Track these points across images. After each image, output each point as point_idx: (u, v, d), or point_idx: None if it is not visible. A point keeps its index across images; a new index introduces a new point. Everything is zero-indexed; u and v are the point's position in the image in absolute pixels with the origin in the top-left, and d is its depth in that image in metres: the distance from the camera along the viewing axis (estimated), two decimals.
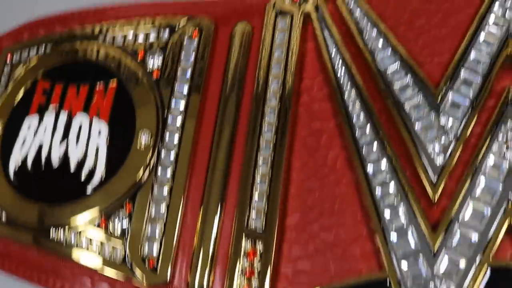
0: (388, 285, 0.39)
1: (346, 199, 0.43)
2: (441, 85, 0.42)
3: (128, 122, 0.47)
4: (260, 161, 0.44)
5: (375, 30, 0.45)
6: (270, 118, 0.45)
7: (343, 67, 0.45)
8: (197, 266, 0.44)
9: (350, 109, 0.44)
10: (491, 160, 0.40)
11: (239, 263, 0.42)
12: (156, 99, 0.47)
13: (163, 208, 0.45)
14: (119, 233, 0.45)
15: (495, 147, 0.40)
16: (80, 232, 0.46)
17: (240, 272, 0.42)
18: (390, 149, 0.42)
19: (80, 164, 0.47)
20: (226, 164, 0.45)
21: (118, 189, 0.46)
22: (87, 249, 0.45)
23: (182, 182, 0.45)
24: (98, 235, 0.45)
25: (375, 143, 0.42)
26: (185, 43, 0.49)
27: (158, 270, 0.44)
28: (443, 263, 0.39)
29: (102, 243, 0.45)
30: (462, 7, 0.44)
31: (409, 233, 0.40)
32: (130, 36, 0.50)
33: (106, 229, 0.45)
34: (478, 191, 0.40)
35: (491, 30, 0.43)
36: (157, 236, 0.45)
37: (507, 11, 0.43)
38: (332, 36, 0.46)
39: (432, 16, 0.45)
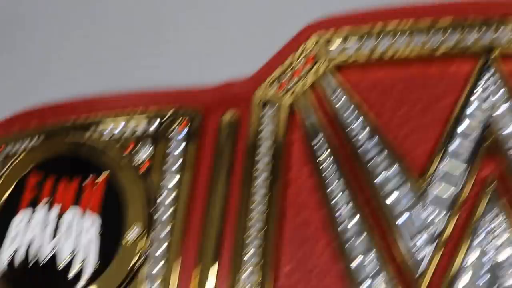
0: None
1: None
2: (426, 173, 0.43)
3: (117, 217, 0.47)
4: (250, 252, 0.44)
5: (359, 119, 0.45)
6: (259, 208, 0.45)
7: (329, 160, 0.45)
8: None
9: (336, 200, 0.44)
10: (476, 254, 0.40)
11: None
12: (145, 191, 0.48)
13: None
14: None
15: (479, 237, 0.40)
16: None
17: None
18: (373, 243, 0.42)
19: (71, 260, 0.47)
20: (215, 257, 0.45)
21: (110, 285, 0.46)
22: None
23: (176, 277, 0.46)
24: None
25: (359, 237, 0.42)
26: (174, 133, 0.49)
27: None
28: None
29: None
30: (440, 97, 0.45)
31: None
32: (120, 128, 0.51)
33: None
34: (465, 281, 0.40)
35: (471, 120, 0.43)
36: None
37: (486, 101, 0.43)
38: (318, 125, 0.46)
39: (414, 103, 0.45)
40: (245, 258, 0.44)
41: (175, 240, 0.46)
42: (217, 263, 0.44)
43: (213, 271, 0.44)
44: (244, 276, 0.43)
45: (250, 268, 0.43)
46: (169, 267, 0.46)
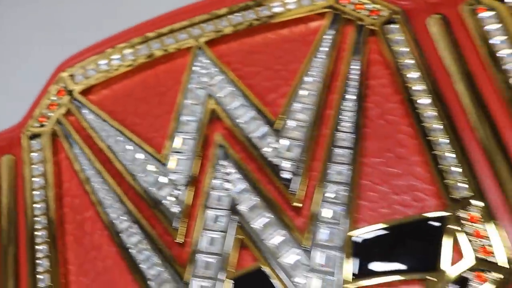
0: None
1: (115, 268, 0.49)
2: (164, 151, 0.50)
3: None
4: (39, 255, 0.50)
5: (107, 127, 0.53)
6: (40, 225, 0.51)
7: (89, 164, 0.52)
8: None
9: (100, 196, 0.51)
10: (214, 196, 0.48)
11: None
12: None
13: None
14: None
15: (216, 184, 0.48)
16: None
17: None
18: (136, 216, 0.49)
19: None
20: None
21: None
22: None
23: None
24: None
25: (124, 215, 0.49)
26: None
27: None
28: None
29: None
30: (170, 87, 0.53)
31: (164, 275, 0.46)
32: None
33: None
34: (209, 222, 0.47)
35: (193, 99, 0.52)
36: None
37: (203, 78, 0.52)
38: (76, 141, 0.54)
39: (151, 100, 0.54)
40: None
41: None
42: None
43: None
44: None
45: None
46: None
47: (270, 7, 0.54)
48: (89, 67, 0.56)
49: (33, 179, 0.53)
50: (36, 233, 0.51)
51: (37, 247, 0.51)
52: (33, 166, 0.54)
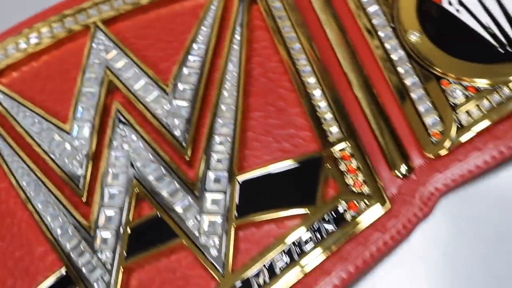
0: (65, 273, 0.50)
1: (29, 230, 0.53)
2: (69, 119, 0.55)
3: None
4: None
5: (19, 105, 0.57)
6: None
7: (2, 142, 0.56)
8: None
9: (12, 167, 0.55)
10: (112, 155, 0.52)
11: None
12: None
13: None
14: None
15: (115, 145, 0.53)
16: None
17: None
18: (43, 180, 0.53)
19: None
20: None
21: None
22: None
23: None
24: None
25: (33, 182, 0.53)
26: None
27: None
28: (98, 240, 0.50)
29: None
30: (73, 65, 0.58)
31: (70, 231, 0.51)
32: None
33: None
34: (110, 180, 0.52)
35: (92, 72, 0.56)
36: None
37: (101, 53, 0.57)
38: None
39: (56, 78, 0.58)
40: None
41: None
42: None
43: None
44: None
45: None
46: None
47: None
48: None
49: None
50: None
51: None
52: None
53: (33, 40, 0.60)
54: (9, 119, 0.57)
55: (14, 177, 0.54)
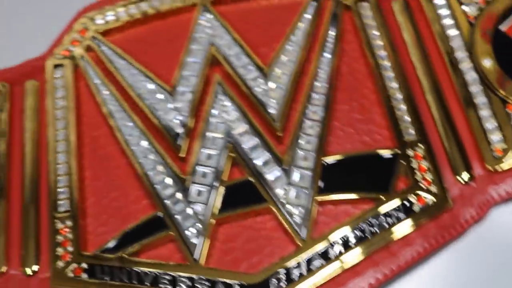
0: (160, 217, 0.56)
1: (125, 175, 0.59)
2: (173, 83, 0.61)
3: None
4: (60, 160, 0.60)
5: (123, 61, 0.63)
6: (61, 136, 0.61)
7: (106, 90, 0.63)
8: (26, 255, 0.57)
9: (115, 116, 0.61)
10: (213, 122, 0.59)
11: (56, 239, 0.57)
12: None
13: None
14: None
15: (215, 113, 0.59)
16: None
17: (59, 244, 0.57)
18: (147, 134, 0.59)
19: None
20: (35, 178, 0.61)
21: None
22: None
23: (3, 205, 0.60)
24: None
25: (135, 133, 0.60)
26: None
27: None
28: (192, 192, 0.56)
29: None
30: (177, 35, 0.64)
31: (167, 181, 0.57)
32: None
33: None
34: (208, 143, 0.58)
35: (197, 45, 0.63)
36: None
37: (206, 29, 0.64)
38: (96, 72, 0.64)
39: (160, 44, 0.65)
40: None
41: None
42: None
43: None
44: None
45: None
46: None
47: None
48: (109, 13, 0.66)
49: (55, 100, 0.63)
50: (58, 142, 0.61)
51: (57, 155, 0.60)
52: (55, 88, 0.64)
53: (142, 8, 0.66)
54: (114, 74, 0.63)
55: (116, 125, 0.60)
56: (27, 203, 0.59)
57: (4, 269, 0.57)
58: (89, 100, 0.63)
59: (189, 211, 0.55)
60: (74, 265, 0.55)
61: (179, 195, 0.56)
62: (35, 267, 0.57)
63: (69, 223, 0.57)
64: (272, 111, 0.59)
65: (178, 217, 0.55)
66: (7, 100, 0.64)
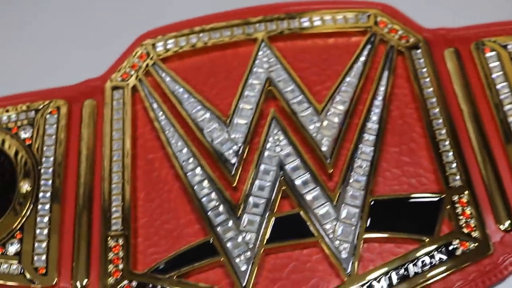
0: (211, 242, 0.58)
1: (177, 199, 0.61)
2: (229, 114, 0.64)
3: (11, 177, 0.64)
4: (114, 180, 0.62)
5: (181, 89, 0.66)
6: (117, 157, 0.64)
7: (163, 116, 0.65)
8: (77, 268, 0.60)
9: (172, 142, 0.63)
10: (266, 154, 0.61)
11: (108, 256, 0.59)
12: (30, 158, 0.65)
13: (45, 231, 0.61)
14: (13, 253, 0.60)
15: (268, 146, 0.62)
16: None
17: (109, 262, 0.59)
18: (200, 160, 0.62)
19: None
20: (89, 191, 0.63)
21: (9, 224, 0.62)
22: None
23: (58, 212, 0.62)
24: None
25: (191, 159, 0.62)
26: (47, 118, 0.67)
27: (48, 274, 0.59)
28: (244, 221, 0.58)
29: (0, 264, 0.60)
30: (235, 67, 0.67)
31: (220, 209, 0.59)
32: (4, 118, 0.68)
33: (3, 253, 0.61)
34: (260, 174, 0.60)
35: (255, 79, 0.65)
36: (43, 252, 0.60)
37: (264, 64, 0.66)
38: (154, 97, 0.66)
39: (219, 74, 0.67)
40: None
41: (56, 191, 0.63)
42: None
43: None
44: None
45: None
46: (56, 207, 0.62)
47: (323, 19, 0.68)
48: (170, 40, 0.69)
49: (112, 121, 0.66)
50: (113, 162, 0.63)
51: (112, 175, 0.63)
52: (113, 110, 0.66)
53: (202, 38, 0.68)
54: (172, 100, 0.65)
55: (172, 149, 0.63)
56: (80, 211, 0.62)
57: (55, 281, 0.58)
58: (145, 124, 0.66)
59: (240, 239, 0.57)
60: (125, 283, 0.57)
61: (230, 223, 0.58)
62: (85, 281, 0.58)
63: (121, 241, 0.59)
64: (324, 148, 0.61)
65: (229, 244, 0.57)
66: (65, 117, 0.67)
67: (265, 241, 0.57)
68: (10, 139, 0.66)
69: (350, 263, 0.56)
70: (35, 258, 0.60)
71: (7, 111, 0.68)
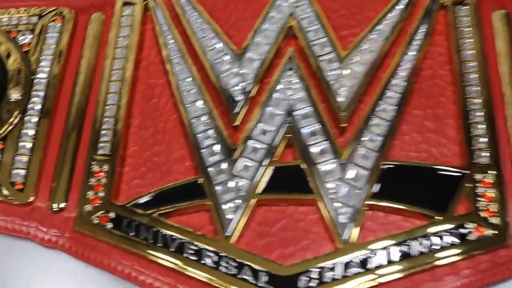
0: (199, 183, 0.52)
1: (173, 131, 0.56)
2: (243, 47, 0.57)
3: (1, 82, 0.59)
4: (109, 101, 0.57)
5: (196, 13, 0.60)
6: (116, 77, 0.58)
7: (173, 40, 0.59)
8: (56, 189, 0.55)
9: (176, 69, 0.58)
10: (275, 96, 0.55)
11: (89, 181, 0.54)
12: (25, 65, 0.60)
13: (28, 146, 0.56)
14: None
15: (279, 87, 0.55)
16: None
17: (89, 188, 0.54)
18: (204, 93, 0.56)
19: None
20: (81, 111, 0.58)
21: None
22: None
23: (45, 128, 0.57)
24: None
25: (193, 90, 0.56)
26: (50, 26, 0.62)
27: (24, 191, 0.55)
28: (239, 165, 0.53)
29: None
30: None
31: (215, 148, 0.53)
32: (4, 20, 0.63)
33: None
34: (265, 117, 0.54)
35: (277, 12, 0.59)
36: (23, 166, 0.56)
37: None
38: (165, 18, 0.60)
39: (238, 3, 0.61)
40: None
41: (48, 104, 0.58)
42: None
43: None
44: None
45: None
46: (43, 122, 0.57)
47: None
48: None
49: (117, 38, 0.60)
50: (111, 82, 0.58)
51: (108, 95, 0.58)
52: (120, 26, 0.60)
53: None
54: (184, 23, 0.60)
55: (175, 77, 0.57)
56: (69, 130, 0.57)
57: (31, 199, 0.54)
58: (152, 46, 0.60)
59: (231, 184, 0.52)
60: (102, 212, 0.52)
61: (224, 165, 0.53)
62: (62, 205, 0.54)
63: (105, 167, 0.54)
64: (340, 99, 0.55)
65: (218, 188, 0.52)
66: (69, 28, 0.61)
67: (258, 190, 0.52)
68: (7, 43, 0.61)
69: (348, 230, 0.50)
70: (13, 172, 0.56)
71: (8, 13, 0.63)
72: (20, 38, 0.61)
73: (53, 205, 0.54)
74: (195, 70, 0.57)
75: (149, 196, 0.53)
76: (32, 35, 0.61)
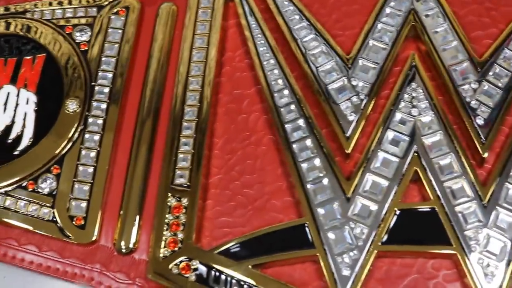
0: (306, 228, 0.42)
1: (266, 157, 0.46)
2: (352, 53, 0.46)
3: (57, 91, 0.49)
4: (184, 125, 0.46)
5: (291, 7, 0.49)
6: (193, 86, 0.48)
7: (263, 41, 0.48)
8: (124, 225, 0.45)
9: (270, 77, 0.47)
10: (398, 117, 0.44)
11: (165, 218, 0.44)
12: (84, 70, 0.49)
13: (90, 170, 0.46)
14: (46, 193, 0.46)
15: (402, 105, 0.44)
16: (6, 193, 0.46)
17: (166, 226, 0.44)
18: (306, 110, 0.45)
19: (7, 129, 0.48)
20: (152, 129, 0.47)
21: (46, 153, 0.47)
22: (14, 209, 0.46)
23: (109, 147, 0.47)
24: (25, 195, 0.46)
25: (293, 105, 0.45)
26: (112, 19, 0.51)
27: (86, 228, 0.45)
28: (354, 207, 0.42)
29: (29, 203, 0.46)
30: None
31: (324, 182, 0.43)
32: (58, 13, 0.52)
33: (33, 190, 0.46)
34: (386, 144, 0.43)
35: (395, 5, 0.47)
36: (84, 197, 0.46)
37: None
38: (253, 12, 0.49)
39: None
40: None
41: (112, 115, 0.48)
42: None
43: None
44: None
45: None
46: (106, 138, 0.47)
47: None
48: None
49: (194, 36, 0.49)
50: (187, 93, 0.47)
51: (186, 108, 0.47)
52: (197, 22, 0.50)
53: None
54: (277, 18, 0.49)
55: (269, 87, 0.46)
56: (138, 147, 0.47)
57: (94, 237, 0.44)
58: (236, 47, 0.51)
59: (346, 230, 0.41)
60: (183, 261, 0.42)
61: (336, 205, 0.42)
62: (132, 245, 0.44)
63: (185, 201, 0.44)
64: (479, 121, 0.43)
65: (330, 234, 0.41)
66: (134, 22, 0.51)
67: (380, 239, 0.41)
68: (62, 41, 0.50)
69: None
70: (73, 203, 0.46)
71: (60, 3, 0.52)
72: (76, 35, 0.50)
73: (121, 244, 0.44)
74: (292, 78, 0.46)
75: (242, 241, 0.43)
76: (90, 31, 0.50)
